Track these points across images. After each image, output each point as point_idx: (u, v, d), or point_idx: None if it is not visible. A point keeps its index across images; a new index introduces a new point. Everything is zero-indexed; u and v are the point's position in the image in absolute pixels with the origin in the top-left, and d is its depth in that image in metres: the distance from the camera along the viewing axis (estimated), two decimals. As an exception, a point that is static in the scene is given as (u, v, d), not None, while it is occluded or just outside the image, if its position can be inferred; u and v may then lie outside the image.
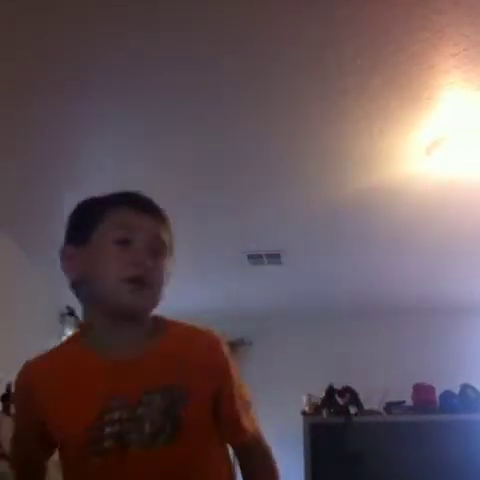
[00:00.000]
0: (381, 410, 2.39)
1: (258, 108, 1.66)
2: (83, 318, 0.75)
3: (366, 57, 1.44)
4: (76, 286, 0.73)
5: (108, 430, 0.65)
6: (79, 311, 3.01)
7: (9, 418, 2.05)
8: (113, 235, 0.70)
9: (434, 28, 1.32)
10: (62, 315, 2.94)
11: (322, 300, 3.13)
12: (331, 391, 2.33)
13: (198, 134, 1.78)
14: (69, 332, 2.99)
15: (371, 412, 2.38)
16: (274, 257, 2.65)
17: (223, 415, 0.73)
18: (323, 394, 2.38)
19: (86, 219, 0.73)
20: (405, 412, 2.33)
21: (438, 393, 2.36)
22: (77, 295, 0.74)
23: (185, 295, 3.14)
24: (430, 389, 2.36)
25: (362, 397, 2.38)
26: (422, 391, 2.36)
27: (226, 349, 0.75)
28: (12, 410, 2.11)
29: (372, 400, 2.40)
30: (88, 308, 0.74)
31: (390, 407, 2.37)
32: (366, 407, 2.38)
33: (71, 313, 2.95)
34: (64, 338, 3.32)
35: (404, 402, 2.39)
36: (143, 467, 0.65)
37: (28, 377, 0.74)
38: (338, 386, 2.37)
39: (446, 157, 1.83)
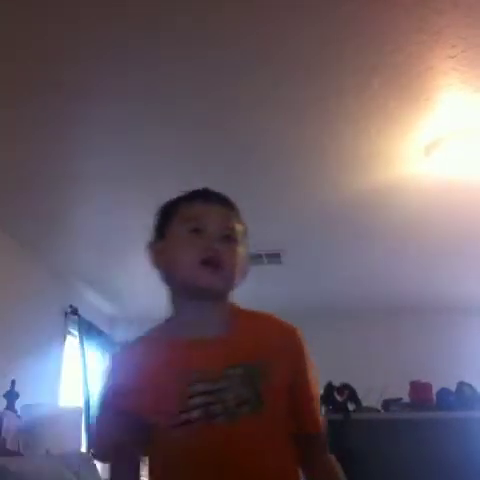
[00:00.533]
0: (379, 407, 2.41)
1: (257, 108, 1.66)
2: (170, 305, 0.81)
3: (365, 58, 1.44)
4: (164, 276, 0.80)
5: (194, 402, 0.69)
6: (82, 310, 3.02)
7: (13, 414, 2.08)
8: (186, 226, 0.78)
9: (432, 30, 1.33)
10: (66, 314, 2.96)
11: (322, 299, 3.15)
12: (330, 388, 2.35)
13: (198, 133, 1.78)
14: (73, 331, 3.02)
15: (369, 409, 2.39)
16: (274, 257, 2.66)
17: (298, 401, 0.77)
18: (322, 391, 2.40)
19: (163, 217, 0.83)
20: (402, 409, 2.35)
21: (435, 390, 2.37)
22: (167, 285, 0.81)
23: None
24: (427, 386, 2.37)
25: (360, 394, 2.40)
26: (419, 388, 2.38)
27: (303, 337, 0.80)
28: (17, 406, 2.14)
29: (370, 397, 2.41)
30: (173, 294, 0.80)
31: (388, 404, 2.39)
32: (364, 404, 2.40)
33: (74, 312, 2.98)
34: (68, 338, 3.30)
35: (401, 399, 2.41)
36: (227, 437, 0.69)
37: (121, 361, 0.79)
38: (337, 383, 2.38)
39: (444, 158, 1.83)
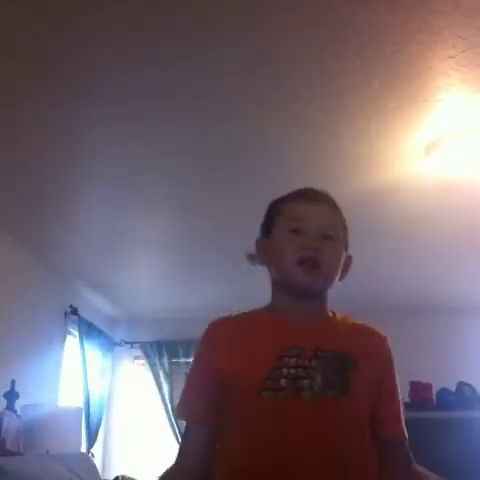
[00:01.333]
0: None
1: (257, 108, 1.66)
2: (272, 297, 0.85)
3: (365, 58, 1.44)
4: (270, 272, 0.84)
5: (285, 371, 0.73)
6: (82, 310, 3.03)
7: (13, 414, 2.08)
8: (289, 225, 0.81)
9: (432, 30, 1.33)
10: (66, 314, 2.96)
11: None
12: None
13: (198, 132, 1.79)
14: (73, 331, 3.02)
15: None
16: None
17: (384, 406, 0.79)
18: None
19: (270, 215, 0.86)
20: (402, 409, 2.35)
21: (435, 390, 2.38)
22: (272, 280, 0.85)
23: (185, 295, 3.16)
24: (427, 386, 2.37)
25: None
26: (419, 388, 2.38)
27: (391, 347, 0.84)
28: (17, 406, 2.14)
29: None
30: (274, 288, 0.84)
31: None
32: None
33: (74, 312, 2.97)
34: (68, 338, 3.31)
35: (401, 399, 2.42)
36: (310, 411, 0.72)
37: (215, 331, 0.82)
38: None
39: (444, 158, 1.83)
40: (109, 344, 3.43)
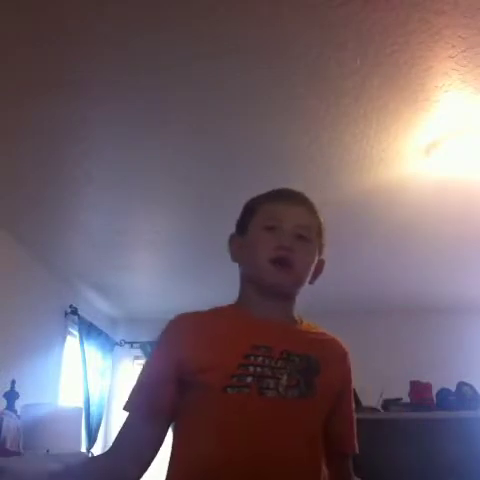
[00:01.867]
0: (379, 407, 2.41)
1: (257, 108, 1.67)
2: (239, 294, 0.84)
3: (365, 58, 1.44)
4: (241, 270, 0.84)
5: (251, 369, 0.73)
6: (82, 310, 3.01)
7: (13, 414, 2.08)
8: (264, 223, 0.81)
9: (432, 30, 1.33)
10: (66, 314, 2.96)
11: (322, 300, 3.14)
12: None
13: (199, 132, 1.79)
14: (73, 331, 3.02)
15: (369, 409, 2.40)
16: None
17: (341, 420, 0.80)
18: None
19: (246, 213, 0.86)
20: (402, 409, 2.35)
21: (435, 390, 2.38)
22: (242, 278, 0.84)
23: (185, 295, 3.16)
24: (427, 386, 2.37)
25: (360, 394, 2.40)
26: (419, 388, 2.38)
27: (351, 362, 0.83)
28: (17, 406, 2.14)
29: (370, 397, 2.41)
30: (244, 286, 0.84)
31: (387, 404, 2.39)
32: (364, 404, 2.40)
33: (75, 312, 2.97)
34: (68, 338, 3.30)
35: (401, 399, 2.41)
36: (274, 410, 0.72)
37: (180, 323, 0.80)
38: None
39: (444, 158, 1.83)
40: (109, 344, 3.43)
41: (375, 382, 2.39)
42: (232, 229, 0.87)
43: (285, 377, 0.73)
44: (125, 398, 0.78)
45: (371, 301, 3.18)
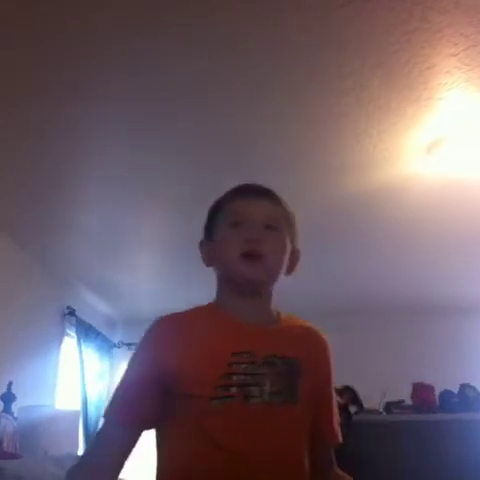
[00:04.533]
0: (381, 409, 2.40)
1: (257, 108, 1.66)
2: (216, 297, 0.83)
3: (366, 57, 1.44)
4: (216, 274, 0.82)
5: (235, 378, 0.71)
6: (80, 311, 2.99)
7: (10, 416, 2.06)
8: (228, 221, 0.80)
9: (434, 28, 1.33)
10: (63, 315, 2.94)
11: (322, 300, 3.14)
12: (331, 390, 2.34)
13: (198, 131, 1.78)
14: (70, 332, 3.00)
15: (371, 411, 2.38)
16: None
17: (325, 412, 0.80)
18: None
19: (209, 216, 0.86)
20: (405, 411, 2.34)
21: (437, 392, 2.36)
22: (218, 281, 0.83)
23: (183, 296, 3.14)
24: (429, 388, 2.36)
25: (362, 396, 2.38)
26: (421, 390, 2.37)
27: (331, 351, 0.84)
28: (14, 408, 2.12)
29: (372, 399, 2.40)
30: (220, 288, 0.83)
31: (390, 406, 2.38)
32: (366, 406, 2.39)
33: (72, 313, 2.96)
34: (65, 339, 3.28)
35: (403, 401, 2.40)
36: (260, 418, 0.71)
37: (160, 328, 0.77)
38: (338, 385, 2.37)
39: (446, 157, 1.83)
40: (107, 345, 3.41)
41: (377, 384, 2.38)
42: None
43: (268, 383, 0.72)
44: (108, 405, 0.77)
45: (372, 301, 3.17)
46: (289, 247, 0.81)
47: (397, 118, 1.67)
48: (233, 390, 0.70)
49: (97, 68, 1.48)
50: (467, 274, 2.84)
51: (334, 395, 0.83)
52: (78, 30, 1.35)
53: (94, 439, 0.77)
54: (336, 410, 0.83)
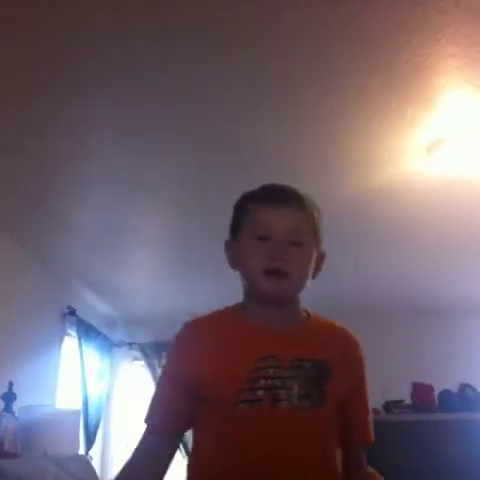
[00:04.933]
0: (380, 409, 2.40)
1: (257, 108, 1.66)
2: (244, 298, 0.83)
3: (366, 57, 1.44)
4: (240, 275, 0.82)
5: (262, 382, 0.72)
6: (80, 311, 3.01)
7: (11, 416, 2.06)
8: (254, 232, 0.79)
9: (434, 28, 1.32)
10: (64, 315, 2.94)
11: (322, 300, 3.13)
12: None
13: (198, 132, 1.78)
14: (71, 332, 3.00)
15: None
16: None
17: (355, 412, 0.80)
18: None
19: (237, 218, 0.84)
20: (404, 411, 2.34)
21: (436, 392, 2.37)
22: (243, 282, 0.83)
23: (184, 296, 3.15)
24: (429, 388, 2.36)
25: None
26: (421, 390, 2.37)
27: (363, 352, 0.84)
28: (14, 407, 2.12)
29: (371, 399, 2.40)
30: (246, 292, 0.82)
31: (389, 406, 2.38)
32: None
33: (73, 313, 2.96)
34: (66, 339, 3.29)
35: (403, 401, 2.41)
36: (288, 422, 0.71)
37: (187, 333, 0.79)
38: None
39: (446, 157, 1.83)
40: (108, 345, 3.41)
41: (376, 384, 2.38)
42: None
43: (296, 387, 0.72)
44: (146, 414, 0.79)
45: (372, 301, 3.17)
46: (315, 256, 0.81)
47: (397, 117, 1.67)
48: (260, 393, 0.71)
49: (97, 68, 1.47)
50: (467, 274, 2.84)
51: (368, 395, 0.83)
52: (78, 30, 1.35)
53: (134, 450, 0.78)
54: (370, 410, 0.83)
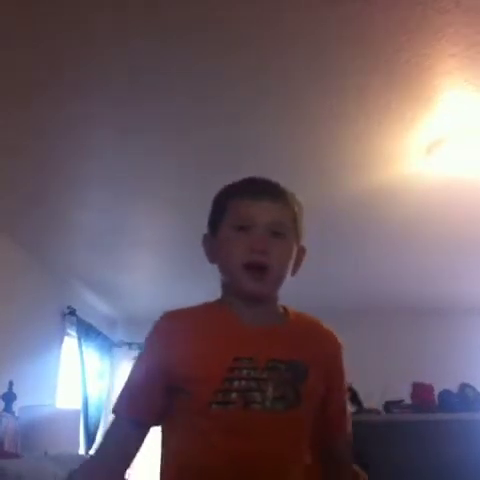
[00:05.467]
0: (380, 409, 2.40)
1: (257, 108, 1.66)
2: (222, 293, 0.81)
3: (366, 57, 1.44)
4: (219, 270, 0.79)
5: (236, 384, 0.70)
6: (80, 311, 3.00)
7: (11, 415, 2.06)
8: (233, 223, 0.76)
9: (434, 28, 1.32)
10: (64, 315, 2.94)
11: (322, 300, 3.14)
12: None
13: (198, 131, 1.78)
14: (71, 332, 3.00)
15: (371, 411, 2.39)
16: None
17: (330, 409, 0.78)
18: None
19: (215, 211, 0.81)
20: (404, 411, 2.34)
21: (436, 392, 2.37)
22: (222, 276, 0.80)
23: (184, 296, 3.14)
24: (429, 388, 2.36)
25: (362, 396, 2.39)
26: (421, 390, 2.37)
27: (342, 348, 0.81)
28: (14, 407, 2.12)
29: (372, 399, 2.41)
30: (225, 287, 0.80)
31: (389, 406, 2.38)
32: (366, 406, 2.39)
33: (73, 313, 2.96)
34: (66, 339, 3.30)
35: (403, 401, 2.41)
36: (261, 424, 0.70)
37: (165, 323, 0.77)
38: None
39: (446, 157, 1.83)
40: (107, 345, 3.41)
41: (377, 384, 2.39)
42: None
43: (271, 389, 0.71)
44: (114, 400, 0.78)
45: (372, 301, 3.17)
46: (295, 251, 0.78)
47: (397, 118, 1.67)
48: (233, 396, 0.70)
49: (97, 68, 1.47)
50: (467, 274, 2.84)
51: (346, 394, 0.82)
52: (78, 30, 1.35)
53: (103, 436, 0.78)
54: (348, 409, 0.82)
